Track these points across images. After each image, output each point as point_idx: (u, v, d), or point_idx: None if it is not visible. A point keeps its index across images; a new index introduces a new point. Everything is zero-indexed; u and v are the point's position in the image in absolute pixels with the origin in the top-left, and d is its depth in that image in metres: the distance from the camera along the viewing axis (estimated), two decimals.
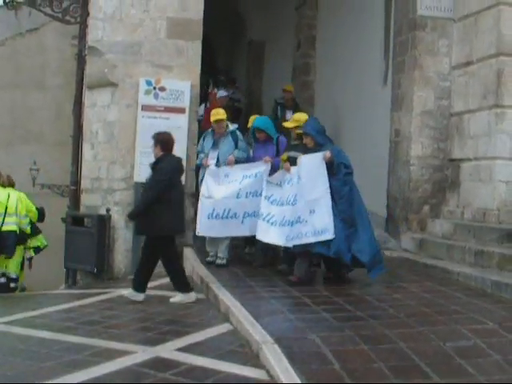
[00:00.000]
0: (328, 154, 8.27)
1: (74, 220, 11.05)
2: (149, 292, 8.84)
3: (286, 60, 17.81)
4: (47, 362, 6.06)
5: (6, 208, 11.17)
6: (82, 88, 11.57)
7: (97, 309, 8.18)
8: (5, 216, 11.15)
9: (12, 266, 11.57)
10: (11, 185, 11.79)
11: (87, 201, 11.00)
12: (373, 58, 12.88)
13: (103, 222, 10.49)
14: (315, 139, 8.52)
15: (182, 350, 6.20)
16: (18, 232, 11.30)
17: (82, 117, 11.46)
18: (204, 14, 10.77)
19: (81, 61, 11.56)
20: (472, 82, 10.09)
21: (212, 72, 18.86)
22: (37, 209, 12.19)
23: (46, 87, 21.74)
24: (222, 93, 14.82)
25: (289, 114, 13.02)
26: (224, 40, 24.51)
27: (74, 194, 11.64)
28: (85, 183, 11.05)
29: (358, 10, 13.77)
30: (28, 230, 11.75)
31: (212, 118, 9.74)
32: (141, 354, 6.12)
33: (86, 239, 10.57)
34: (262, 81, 21.01)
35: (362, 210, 8.45)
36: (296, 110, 13.06)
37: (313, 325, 6.37)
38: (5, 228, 11.11)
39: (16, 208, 11.32)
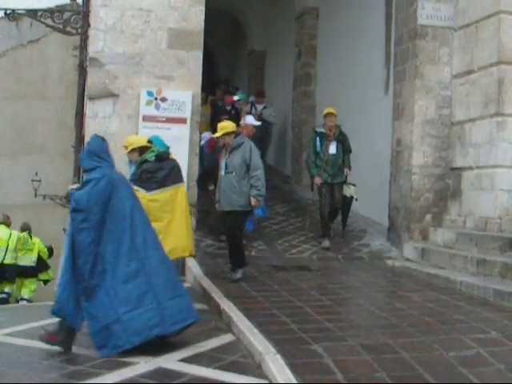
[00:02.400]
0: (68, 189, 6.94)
1: None
2: None
3: (286, 70, 17.84)
4: (50, 373, 6.03)
5: (8, 245, 12.96)
6: (83, 99, 11.60)
7: None
8: (6, 251, 13.04)
9: (26, 292, 13.77)
10: (7, 224, 13.59)
11: None
12: (374, 66, 12.91)
13: None
14: (81, 162, 6.61)
15: (184, 360, 6.17)
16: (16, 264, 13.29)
17: (83, 127, 11.47)
18: (205, 24, 10.82)
19: (82, 72, 11.59)
20: (473, 91, 10.10)
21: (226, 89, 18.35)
22: (46, 248, 14.01)
23: (47, 98, 21.79)
24: (250, 119, 11.25)
25: (332, 148, 11.15)
26: (225, 50, 24.60)
27: None
28: None
29: (358, 19, 13.81)
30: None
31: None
32: (143, 364, 6.09)
33: None
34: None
35: (114, 258, 6.39)
36: (343, 142, 11.30)
37: (315, 335, 6.36)
38: (7, 261, 13.04)
39: (16, 245, 13.15)
